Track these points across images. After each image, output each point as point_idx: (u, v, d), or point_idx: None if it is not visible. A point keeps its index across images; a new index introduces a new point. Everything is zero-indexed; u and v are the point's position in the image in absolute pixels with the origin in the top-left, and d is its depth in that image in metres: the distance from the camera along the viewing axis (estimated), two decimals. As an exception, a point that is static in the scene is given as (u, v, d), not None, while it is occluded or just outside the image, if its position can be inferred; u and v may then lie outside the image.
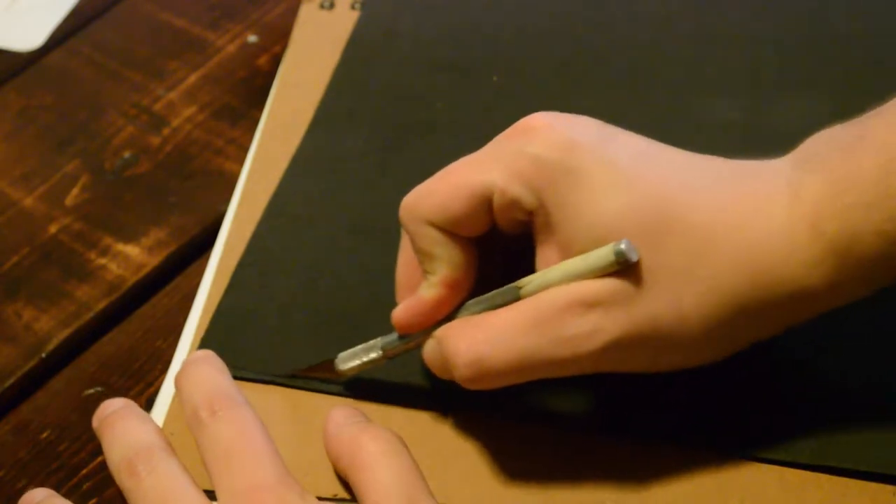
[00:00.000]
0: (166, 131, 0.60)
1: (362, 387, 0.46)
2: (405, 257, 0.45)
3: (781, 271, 0.39)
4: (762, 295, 0.39)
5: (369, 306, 0.49)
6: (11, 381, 0.49)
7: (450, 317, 0.42)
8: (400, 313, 0.43)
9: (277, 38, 0.64)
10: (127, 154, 0.59)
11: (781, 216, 0.39)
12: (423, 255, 0.42)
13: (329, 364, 0.45)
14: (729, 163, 0.42)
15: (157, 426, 0.45)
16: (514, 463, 0.44)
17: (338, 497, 0.43)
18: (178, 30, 0.65)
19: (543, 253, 0.41)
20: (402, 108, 0.58)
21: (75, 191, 0.57)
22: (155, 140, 0.59)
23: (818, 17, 0.61)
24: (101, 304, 0.52)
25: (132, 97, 0.62)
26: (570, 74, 0.59)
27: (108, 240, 0.54)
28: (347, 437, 0.42)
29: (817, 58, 0.59)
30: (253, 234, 0.52)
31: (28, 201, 0.56)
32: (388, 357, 0.44)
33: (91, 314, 0.52)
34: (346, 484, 0.43)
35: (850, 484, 0.42)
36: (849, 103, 0.56)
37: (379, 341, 0.44)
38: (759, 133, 0.55)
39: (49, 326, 0.51)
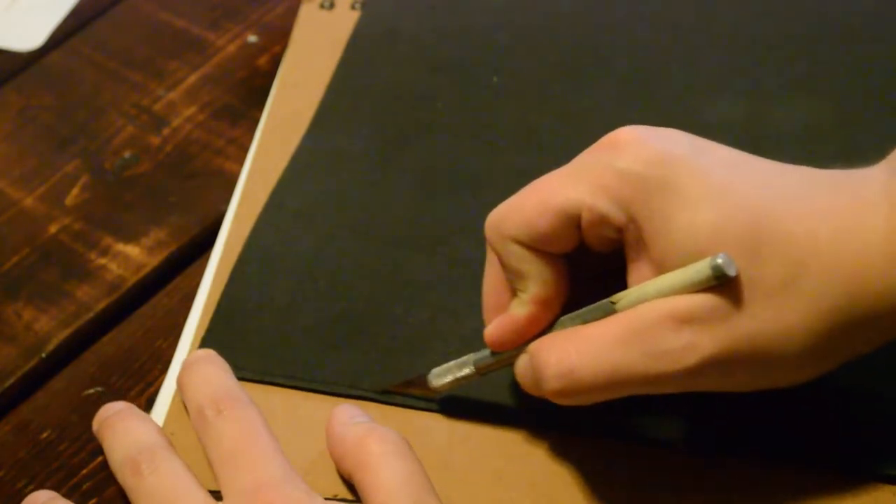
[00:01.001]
0: (166, 131, 0.60)
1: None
2: (492, 275, 0.43)
3: (881, 284, 0.37)
4: (863, 309, 0.38)
5: (370, 306, 0.49)
6: (11, 381, 0.49)
7: (543, 333, 0.41)
8: (492, 331, 0.42)
9: (277, 38, 0.64)
10: (127, 154, 0.58)
11: (879, 227, 0.38)
12: (512, 273, 0.41)
13: (422, 379, 0.45)
14: (821, 172, 0.40)
15: (158, 426, 0.45)
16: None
17: (339, 497, 0.43)
18: (178, 30, 0.65)
19: (636, 269, 0.40)
20: (402, 108, 0.58)
21: (75, 191, 0.57)
22: (155, 140, 0.59)
23: (819, 17, 0.61)
24: (101, 304, 0.52)
25: (132, 97, 0.62)
26: (571, 75, 0.59)
27: (108, 240, 0.54)
28: (352, 437, 0.42)
29: (818, 59, 0.59)
30: (252, 228, 0.52)
31: (28, 201, 0.56)
32: (481, 373, 0.43)
33: (91, 314, 0.52)
34: (348, 484, 0.43)
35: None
36: (850, 104, 0.56)
37: (471, 357, 0.43)
38: (760, 134, 0.55)
39: (49, 326, 0.51)
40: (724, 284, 0.37)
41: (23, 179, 0.58)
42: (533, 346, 0.41)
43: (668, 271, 0.38)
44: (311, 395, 0.46)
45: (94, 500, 0.45)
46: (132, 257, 0.54)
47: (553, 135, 0.56)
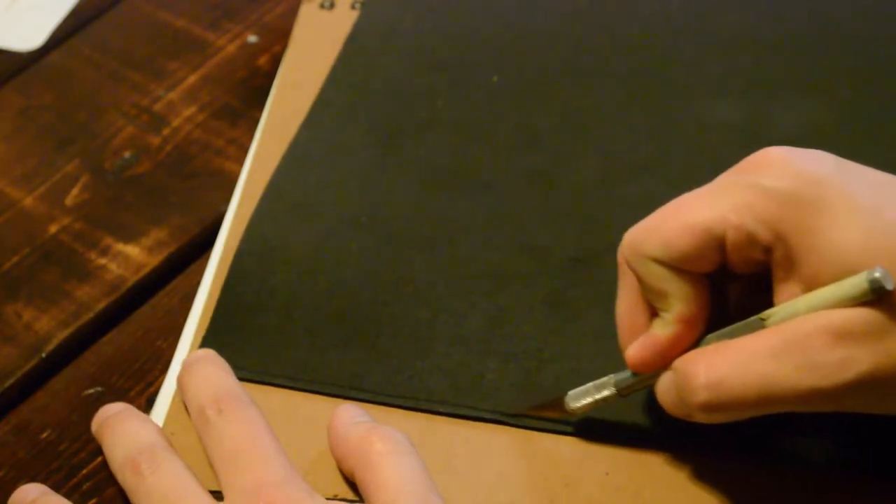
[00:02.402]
0: (166, 131, 0.60)
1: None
2: (627, 297, 0.43)
3: None
4: None
5: (370, 305, 0.49)
6: (11, 381, 0.49)
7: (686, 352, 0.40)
8: (635, 352, 0.41)
9: (277, 38, 0.64)
10: (127, 154, 0.58)
11: None
12: (653, 293, 0.41)
13: (559, 402, 0.44)
14: None
15: (158, 427, 0.45)
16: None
17: (339, 497, 0.43)
18: (178, 30, 0.65)
19: (785, 287, 0.39)
20: (401, 105, 0.58)
21: (75, 191, 0.57)
22: (155, 140, 0.59)
23: (820, 18, 0.61)
24: (101, 304, 0.52)
25: (132, 97, 0.62)
26: (571, 75, 0.59)
27: (108, 240, 0.54)
28: (356, 436, 0.42)
29: (819, 60, 0.59)
30: (250, 219, 0.52)
31: (28, 201, 0.56)
32: (622, 395, 0.43)
33: (91, 314, 0.52)
34: (350, 483, 0.43)
35: None
36: (851, 105, 0.56)
37: (611, 378, 0.43)
38: (761, 135, 0.55)
39: (49, 326, 0.51)
40: (880, 299, 0.36)
41: (23, 179, 0.57)
42: (679, 361, 0.40)
43: (818, 288, 0.37)
44: (311, 395, 0.46)
45: (94, 500, 0.45)
46: (132, 257, 0.54)
47: (553, 135, 0.56)
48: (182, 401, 0.46)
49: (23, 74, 0.63)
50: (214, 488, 0.42)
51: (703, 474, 0.43)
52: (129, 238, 0.54)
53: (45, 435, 0.47)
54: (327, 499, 0.41)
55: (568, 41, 0.61)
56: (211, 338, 0.48)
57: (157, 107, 0.61)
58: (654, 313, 0.41)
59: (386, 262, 0.51)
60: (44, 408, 0.48)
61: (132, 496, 0.43)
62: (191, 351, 0.48)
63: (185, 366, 0.47)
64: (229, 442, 0.43)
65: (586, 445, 0.44)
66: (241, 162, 0.57)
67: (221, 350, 0.47)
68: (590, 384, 0.43)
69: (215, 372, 0.46)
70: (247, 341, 0.48)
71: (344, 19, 0.63)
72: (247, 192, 0.54)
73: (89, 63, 0.64)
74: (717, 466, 0.43)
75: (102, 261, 0.54)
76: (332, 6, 0.64)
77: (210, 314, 0.49)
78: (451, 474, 0.44)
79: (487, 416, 0.45)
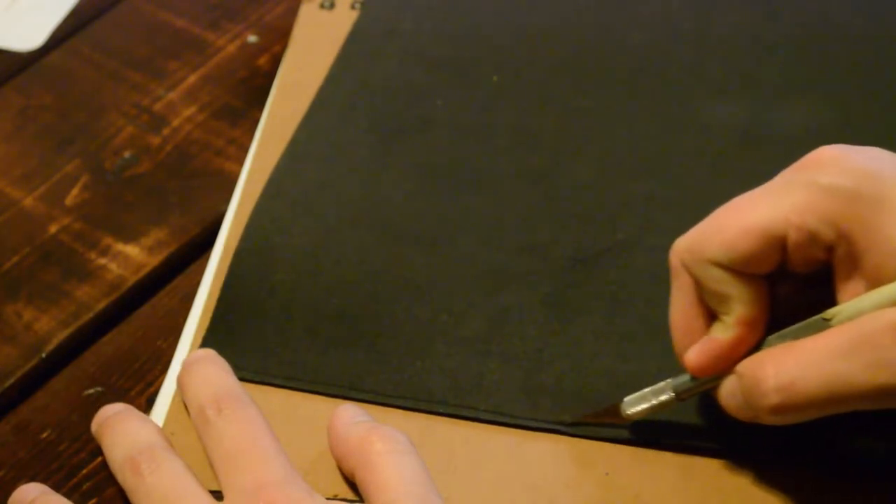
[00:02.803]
0: (166, 131, 0.60)
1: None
2: (682, 301, 0.42)
3: None
4: None
5: (370, 304, 0.49)
6: (11, 381, 0.49)
7: (748, 355, 0.40)
8: (695, 357, 0.41)
9: (277, 38, 0.64)
10: (127, 154, 0.58)
11: None
12: (714, 297, 0.40)
13: (614, 408, 0.43)
14: None
15: (158, 427, 0.45)
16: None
17: (339, 497, 0.43)
18: (178, 30, 0.65)
19: (848, 286, 0.39)
20: (400, 103, 0.58)
21: (75, 191, 0.57)
22: (155, 140, 0.59)
23: (820, 18, 0.61)
24: (101, 304, 0.52)
25: (132, 97, 0.62)
26: (571, 75, 0.59)
27: (108, 240, 0.54)
28: (356, 436, 0.42)
29: (819, 60, 0.59)
30: (250, 216, 0.52)
31: (28, 201, 0.56)
32: (681, 399, 0.42)
33: (91, 314, 0.52)
34: (350, 483, 0.43)
35: None
36: (850, 106, 0.56)
37: (669, 383, 0.42)
38: (761, 135, 0.55)
39: (49, 326, 0.51)
40: None
41: (23, 179, 0.57)
42: (743, 365, 0.39)
43: (883, 285, 0.37)
44: (311, 395, 0.46)
45: (94, 500, 0.45)
46: (132, 257, 0.54)
47: (553, 135, 0.56)
48: (182, 401, 0.46)
49: (23, 74, 0.63)
50: (215, 488, 0.42)
51: (704, 475, 0.43)
52: (129, 238, 0.54)
53: (45, 435, 0.47)
54: (327, 499, 0.41)
55: (568, 41, 0.61)
56: (211, 338, 0.48)
57: (157, 107, 0.61)
58: (711, 316, 0.41)
59: (386, 258, 0.51)
60: (44, 408, 0.48)
61: (132, 496, 0.43)
62: (191, 351, 0.48)
63: (185, 365, 0.47)
64: (229, 442, 0.43)
65: (586, 446, 0.44)
66: (241, 162, 0.57)
67: (221, 350, 0.47)
68: (646, 389, 0.43)
69: (215, 372, 0.46)
70: (247, 341, 0.48)
71: (344, 19, 0.63)
72: (247, 192, 0.54)
73: (89, 63, 0.64)
74: (717, 467, 0.43)
75: (102, 261, 0.54)
76: (332, 6, 0.64)
77: (210, 314, 0.49)
78: (451, 474, 0.44)
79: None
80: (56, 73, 0.63)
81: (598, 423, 0.44)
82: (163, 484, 0.42)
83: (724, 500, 0.42)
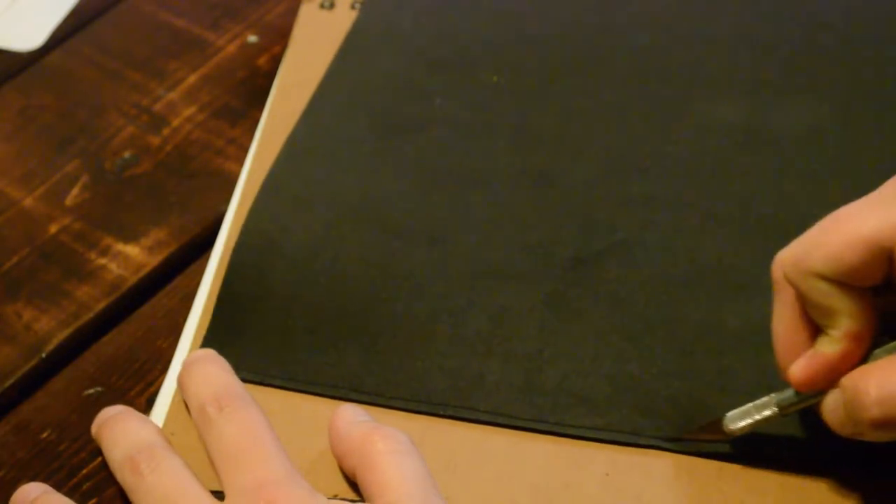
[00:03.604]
0: (166, 131, 0.60)
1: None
2: (785, 314, 0.41)
3: None
4: None
5: (369, 304, 0.49)
6: (11, 381, 0.49)
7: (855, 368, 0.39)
8: (801, 372, 0.40)
9: (277, 38, 0.64)
10: (127, 154, 0.58)
11: None
12: (819, 311, 0.39)
13: (717, 424, 0.43)
14: None
15: (157, 427, 0.45)
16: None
17: (339, 497, 0.43)
18: (178, 30, 0.65)
19: None
20: (399, 102, 0.58)
21: (75, 191, 0.57)
22: (155, 140, 0.59)
23: (819, 19, 0.61)
24: (101, 304, 0.52)
25: (132, 97, 0.62)
26: (571, 75, 0.59)
27: (108, 240, 0.54)
28: (358, 435, 0.42)
29: (819, 60, 0.59)
30: (249, 211, 0.52)
31: (28, 201, 0.56)
32: (783, 414, 0.42)
33: (91, 314, 0.52)
34: (350, 483, 0.43)
35: None
36: (850, 106, 0.56)
37: (772, 398, 0.42)
38: (761, 135, 0.55)
39: (49, 326, 0.51)
40: None
41: (23, 179, 0.57)
42: (847, 379, 0.39)
43: None
44: (309, 396, 0.46)
45: (94, 500, 0.45)
46: (132, 257, 0.54)
47: (553, 135, 0.56)
48: (182, 401, 0.46)
49: (23, 74, 0.63)
50: (216, 488, 0.42)
51: (704, 475, 0.43)
52: (129, 238, 0.54)
53: (45, 435, 0.47)
54: (328, 498, 0.41)
55: (568, 41, 0.61)
56: (211, 338, 0.48)
57: (157, 107, 0.61)
58: (815, 329, 0.40)
59: (385, 254, 0.50)
60: (44, 408, 0.48)
61: (132, 495, 0.43)
62: (191, 351, 0.48)
63: (186, 365, 0.47)
64: (230, 440, 0.43)
65: (586, 446, 0.44)
66: (241, 162, 0.57)
67: (221, 350, 0.47)
68: (749, 405, 0.42)
69: (216, 371, 0.46)
70: (247, 341, 0.48)
71: (344, 19, 0.63)
72: (247, 192, 0.54)
73: (89, 63, 0.64)
74: (717, 468, 0.43)
75: (102, 261, 0.54)
76: (332, 6, 0.64)
77: (210, 314, 0.49)
78: (451, 474, 0.44)
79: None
80: (56, 73, 0.63)
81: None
82: (163, 483, 0.42)
83: (725, 501, 0.42)
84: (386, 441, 0.41)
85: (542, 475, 0.44)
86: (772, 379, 0.43)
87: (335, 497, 0.43)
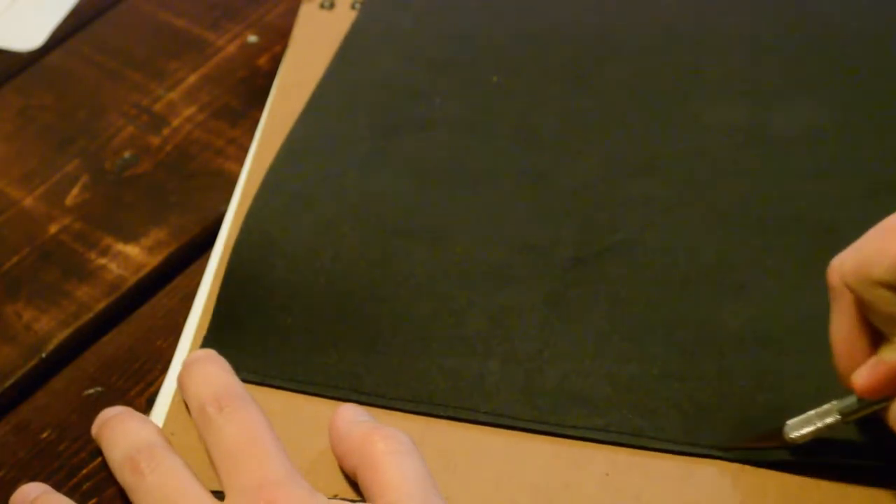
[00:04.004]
0: (166, 131, 0.60)
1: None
2: (844, 322, 0.41)
3: None
4: None
5: (369, 303, 0.49)
6: (11, 381, 0.49)
7: None
8: (864, 380, 0.39)
9: (277, 38, 0.64)
10: (127, 154, 0.58)
11: None
12: (882, 318, 0.39)
13: (777, 432, 0.42)
14: None
15: (157, 427, 0.45)
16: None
17: (340, 497, 0.43)
18: (178, 30, 0.65)
19: None
20: (399, 102, 0.58)
21: (75, 191, 0.57)
22: (155, 140, 0.59)
23: (819, 19, 0.61)
24: (101, 304, 0.52)
25: (132, 97, 0.62)
26: (571, 75, 0.59)
27: (108, 240, 0.54)
28: (358, 435, 0.42)
29: (819, 60, 0.59)
30: (249, 208, 0.52)
31: (28, 201, 0.56)
32: (846, 421, 0.41)
33: (91, 314, 0.52)
34: (351, 483, 0.43)
35: None
36: (850, 106, 0.56)
37: (834, 405, 0.41)
38: (761, 135, 0.55)
39: (49, 326, 0.51)
40: None
41: (23, 179, 0.57)
42: None
43: None
44: (309, 397, 0.46)
45: (94, 500, 0.45)
46: (132, 257, 0.54)
47: (553, 135, 0.56)
48: (182, 401, 0.46)
49: (23, 74, 0.63)
50: (216, 488, 0.42)
51: (704, 476, 0.43)
52: (129, 238, 0.54)
53: (45, 435, 0.47)
54: (328, 498, 0.41)
55: (568, 41, 0.61)
56: (211, 338, 0.48)
57: (157, 107, 0.61)
58: (875, 335, 0.40)
59: (385, 253, 0.50)
60: (44, 408, 0.48)
61: (132, 495, 0.43)
62: (191, 351, 0.48)
63: (186, 365, 0.47)
64: (230, 440, 0.43)
65: (586, 447, 0.44)
66: (241, 162, 0.57)
67: (221, 350, 0.47)
68: (811, 412, 0.42)
69: (216, 371, 0.46)
70: (247, 342, 0.48)
71: (344, 19, 0.63)
72: (247, 192, 0.54)
73: (89, 63, 0.64)
74: (718, 469, 0.43)
75: (102, 261, 0.54)
76: (332, 6, 0.64)
77: (210, 314, 0.49)
78: (451, 474, 0.44)
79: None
80: (56, 73, 0.63)
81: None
82: (163, 482, 0.42)
83: (725, 502, 0.42)
84: (386, 441, 0.41)
85: (541, 475, 0.44)
86: (772, 379, 0.43)
87: (335, 497, 0.43)
